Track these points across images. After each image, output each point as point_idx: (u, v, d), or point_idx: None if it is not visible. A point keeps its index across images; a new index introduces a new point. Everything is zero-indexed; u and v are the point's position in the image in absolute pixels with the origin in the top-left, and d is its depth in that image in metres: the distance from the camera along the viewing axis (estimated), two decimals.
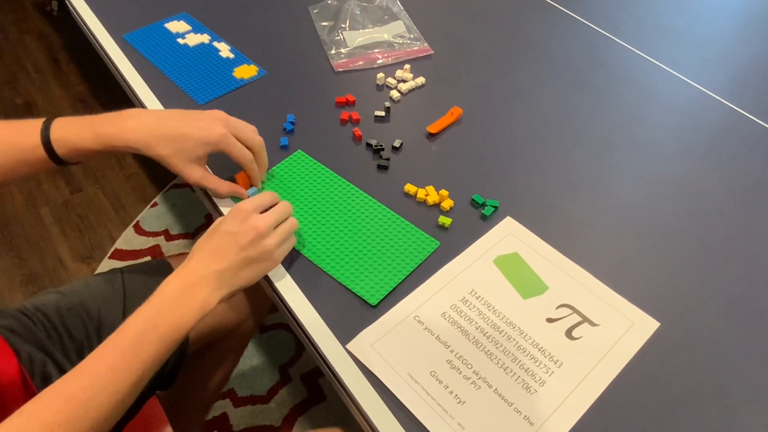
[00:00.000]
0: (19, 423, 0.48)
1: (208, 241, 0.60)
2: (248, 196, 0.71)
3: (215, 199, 0.72)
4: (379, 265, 0.66)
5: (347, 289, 0.64)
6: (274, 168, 0.76)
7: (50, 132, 0.64)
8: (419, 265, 0.66)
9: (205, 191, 0.73)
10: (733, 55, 1.02)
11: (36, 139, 0.64)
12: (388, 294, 0.64)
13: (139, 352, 0.53)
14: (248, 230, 0.60)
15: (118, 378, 0.52)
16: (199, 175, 0.68)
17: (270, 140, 0.80)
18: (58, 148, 0.65)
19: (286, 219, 0.64)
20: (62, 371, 0.66)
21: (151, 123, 0.65)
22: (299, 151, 0.79)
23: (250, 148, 0.69)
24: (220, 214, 0.71)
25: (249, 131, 0.69)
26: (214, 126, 0.66)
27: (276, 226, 0.62)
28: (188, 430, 1.05)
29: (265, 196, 0.64)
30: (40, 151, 0.64)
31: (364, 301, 0.63)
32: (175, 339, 0.55)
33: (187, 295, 0.56)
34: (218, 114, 0.68)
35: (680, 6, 1.12)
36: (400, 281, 0.65)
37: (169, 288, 0.57)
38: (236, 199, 0.72)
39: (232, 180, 0.74)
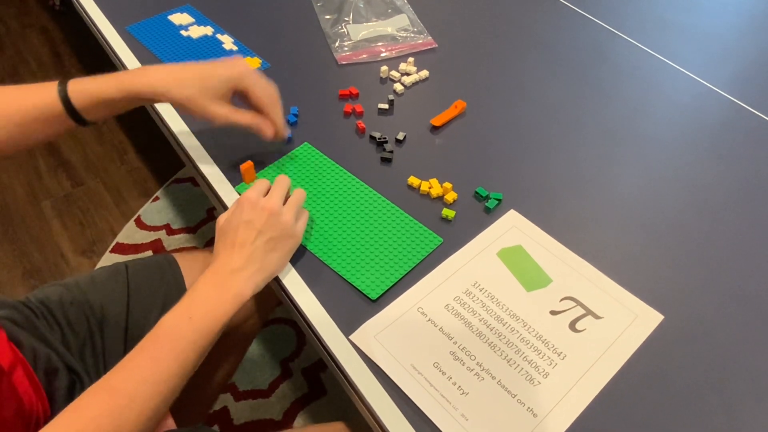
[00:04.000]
0: (68, 420, 0.48)
1: (225, 238, 0.60)
2: (269, 127, 0.70)
3: (219, 192, 0.72)
4: (381, 259, 0.66)
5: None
6: (281, 159, 0.76)
7: (68, 86, 0.63)
8: (422, 260, 0.66)
9: (210, 186, 0.73)
10: (737, 49, 1.01)
11: (53, 95, 0.63)
12: (389, 289, 0.63)
13: (175, 344, 0.54)
14: (260, 212, 0.60)
15: (159, 369, 0.52)
16: (225, 111, 0.67)
17: None
18: (78, 99, 0.63)
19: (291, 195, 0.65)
20: (68, 366, 0.66)
21: (174, 69, 0.66)
22: (306, 143, 0.78)
23: (271, 96, 0.69)
24: (224, 206, 0.71)
25: (266, 81, 0.69)
26: (236, 63, 0.67)
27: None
28: (190, 424, 1.05)
29: (263, 183, 0.65)
30: (58, 108, 0.63)
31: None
32: (211, 330, 0.55)
33: (220, 288, 0.57)
34: (239, 57, 0.69)
35: (684, 1, 1.12)
36: (401, 277, 0.64)
37: (200, 284, 0.57)
38: (241, 189, 0.72)
39: (237, 170, 0.74)
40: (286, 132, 0.71)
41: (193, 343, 0.54)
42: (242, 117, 0.68)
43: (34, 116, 0.64)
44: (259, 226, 0.60)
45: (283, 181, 0.64)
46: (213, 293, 0.57)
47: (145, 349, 0.53)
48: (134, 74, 0.65)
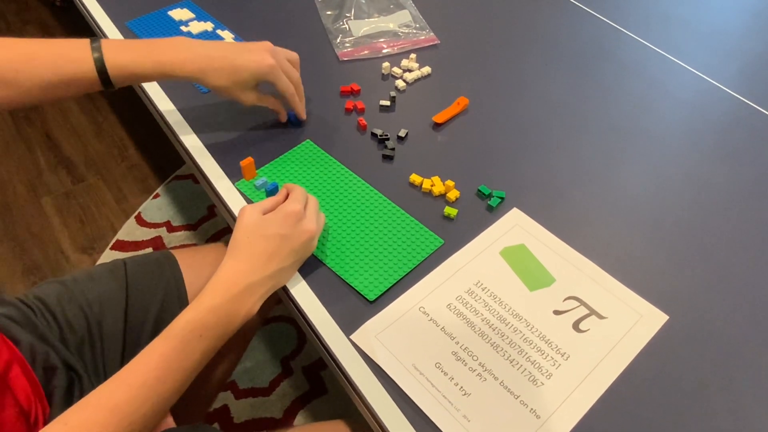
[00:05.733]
0: None
1: (257, 243, 0.58)
2: (285, 115, 0.78)
3: (220, 192, 0.71)
4: (380, 260, 0.65)
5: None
6: (282, 155, 0.75)
7: (104, 55, 0.65)
8: (422, 261, 0.65)
9: (209, 183, 0.72)
10: (743, 46, 1.00)
11: (89, 64, 0.64)
12: (387, 290, 0.62)
13: (184, 361, 0.53)
14: (301, 233, 0.60)
15: (163, 388, 0.52)
16: (253, 97, 0.72)
17: (275, 129, 0.80)
18: (115, 73, 0.66)
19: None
20: (66, 363, 0.66)
21: (208, 54, 0.68)
22: (308, 140, 0.78)
23: (293, 87, 0.73)
24: (225, 205, 0.70)
25: (291, 66, 0.73)
26: (264, 57, 0.69)
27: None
28: (189, 423, 1.05)
29: (302, 193, 0.63)
30: (93, 77, 0.65)
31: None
32: (218, 347, 0.56)
33: (235, 303, 0.56)
34: (267, 45, 0.71)
35: None
36: (399, 278, 0.63)
37: (218, 294, 0.56)
38: (251, 192, 0.71)
39: (237, 166, 0.73)
40: (303, 114, 0.78)
41: (198, 362, 0.54)
42: (267, 102, 0.75)
43: (67, 81, 0.65)
44: (296, 246, 0.59)
45: (312, 198, 0.64)
46: (228, 311, 0.55)
47: (154, 366, 0.52)
48: (171, 52, 0.67)
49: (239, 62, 0.68)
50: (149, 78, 0.68)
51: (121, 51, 0.66)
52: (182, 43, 0.68)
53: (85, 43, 0.65)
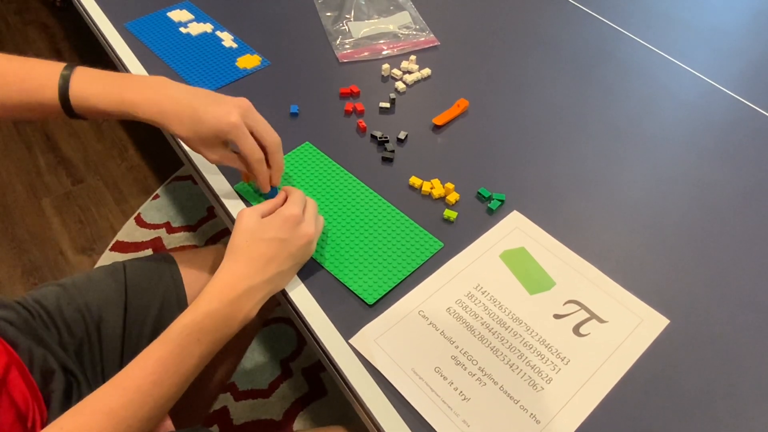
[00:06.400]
0: None
1: (256, 246, 0.57)
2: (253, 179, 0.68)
3: (218, 193, 0.71)
4: (379, 263, 0.65)
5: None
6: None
7: (70, 85, 0.61)
8: (422, 264, 0.65)
9: (207, 185, 0.72)
10: (744, 48, 1.00)
11: (53, 92, 0.61)
12: (386, 294, 0.62)
13: (181, 366, 0.53)
14: (299, 237, 0.59)
15: (160, 392, 0.51)
16: (215, 157, 0.64)
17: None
18: (78, 106, 0.62)
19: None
20: (64, 367, 0.65)
21: (176, 99, 0.62)
22: (307, 143, 0.77)
23: (265, 147, 0.64)
24: (223, 207, 0.70)
25: (267, 127, 0.64)
26: (230, 114, 0.61)
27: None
28: (188, 425, 1.04)
29: (301, 196, 0.63)
30: (56, 106, 0.62)
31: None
32: (215, 351, 0.56)
33: (233, 307, 0.55)
34: (242, 102, 0.63)
35: None
36: (399, 282, 0.63)
37: (215, 298, 0.55)
38: (250, 195, 0.71)
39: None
40: (267, 187, 0.67)
41: (196, 366, 0.54)
42: (233, 164, 0.66)
43: (31, 105, 0.62)
44: (293, 251, 0.59)
45: (311, 202, 0.64)
46: (226, 315, 0.55)
47: (150, 370, 0.52)
48: (141, 93, 0.62)
49: (201, 113, 0.61)
50: (112, 115, 0.62)
51: (89, 83, 0.61)
52: (155, 82, 0.63)
53: (56, 68, 0.62)
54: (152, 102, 0.61)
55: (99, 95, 0.61)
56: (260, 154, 0.64)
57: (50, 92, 0.61)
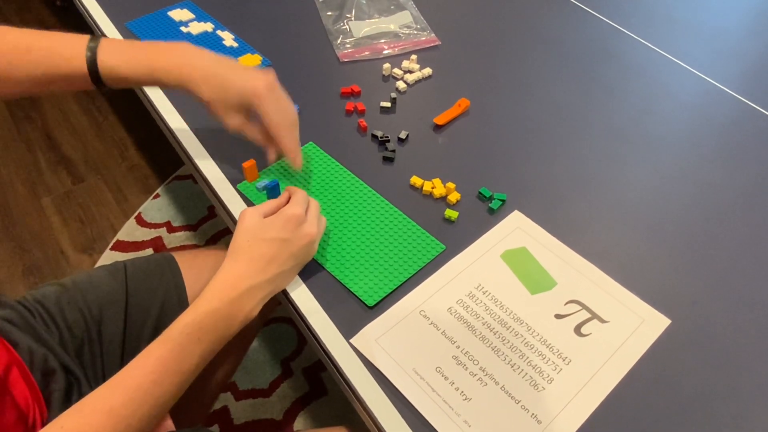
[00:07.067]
0: None
1: (257, 246, 0.58)
2: (272, 152, 0.70)
3: (218, 192, 0.71)
4: (380, 265, 0.64)
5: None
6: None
7: (97, 56, 0.63)
8: (423, 267, 0.65)
9: (208, 185, 0.72)
10: (745, 47, 1.00)
11: (81, 63, 0.63)
12: (387, 296, 0.62)
13: (181, 365, 0.53)
14: (301, 237, 0.59)
15: (160, 390, 0.51)
16: (238, 122, 0.67)
17: None
18: (105, 73, 0.64)
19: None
20: (65, 367, 0.65)
21: (203, 64, 0.65)
22: (311, 143, 0.77)
23: (283, 120, 0.66)
24: (224, 206, 0.70)
25: (287, 102, 0.67)
26: (258, 79, 0.65)
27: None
28: (189, 425, 1.04)
29: (304, 196, 0.63)
30: (86, 77, 0.63)
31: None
32: (216, 350, 0.55)
33: (234, 307, 0.55)
34: (269, 74, 0.66)
35: None
36: (400, 283, 0.63)
37: (215, 297, 0.55)
38: (252, 194, 0.71)
39: (240, 169, 0.73)
40: (299, 161, 0.68)
41: (196, 366, 0.54)
42: (251, 133, 0.68)
43: (59, 77, 0.64)
44: (294, 250, 0.59)
45: (314, 202, 0.64)
46: (227, 314, 0.55)
47: (151, 369, 0.51)
48: (168, 60, 0.64)
49: (230, 78, 0.64)
50: (141, 82, 0.65)
51: (116, 52, 0.64)
52: (182, 48, 0.65)
53: (83, 39, 0.64)
54: (179, 66, 0.64)
55: (128, 63, 0.64)
56: (288, 121, 0.67)
57: (78, 63, 0.63)
